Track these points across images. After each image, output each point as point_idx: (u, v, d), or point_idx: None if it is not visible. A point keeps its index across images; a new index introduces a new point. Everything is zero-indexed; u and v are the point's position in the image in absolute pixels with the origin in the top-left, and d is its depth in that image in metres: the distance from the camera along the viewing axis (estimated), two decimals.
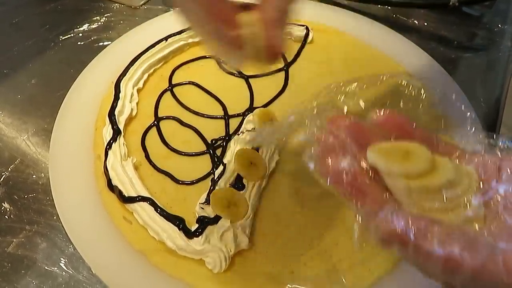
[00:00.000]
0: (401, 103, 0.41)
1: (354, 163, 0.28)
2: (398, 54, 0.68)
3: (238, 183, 0.49)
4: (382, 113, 0.31)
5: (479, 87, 0.68)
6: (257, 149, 0.52)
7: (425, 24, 0.78)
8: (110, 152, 0.52)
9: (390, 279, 0.45)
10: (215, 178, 0.51)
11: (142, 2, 0.77)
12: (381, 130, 0.30)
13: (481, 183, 0.27)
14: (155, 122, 0.57)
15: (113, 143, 0.53)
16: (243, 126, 0.56)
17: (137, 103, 0.59)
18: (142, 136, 0.56)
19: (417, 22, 0.78)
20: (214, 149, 0.55)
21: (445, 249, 0.23)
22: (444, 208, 0.26)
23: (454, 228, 0.24)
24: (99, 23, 0.74)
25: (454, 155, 0.29)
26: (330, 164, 0.28)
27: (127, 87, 0.59)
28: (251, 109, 0.59)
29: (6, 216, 0.50)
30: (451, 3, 0.72)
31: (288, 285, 0.43)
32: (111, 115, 0.55)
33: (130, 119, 0.57)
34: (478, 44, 0.76)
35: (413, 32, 0.76)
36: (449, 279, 0.24)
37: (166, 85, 0.62)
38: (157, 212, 0.47)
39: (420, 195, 0.26)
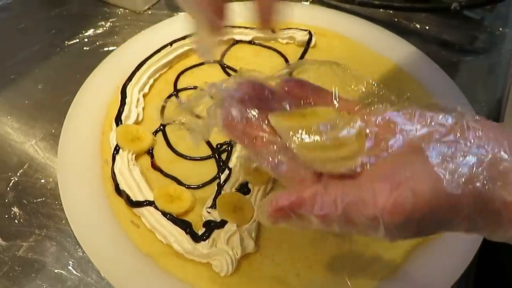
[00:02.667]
0: None
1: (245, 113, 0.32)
2: (399, 58, 0.68)
3: (243, 188, 0.50)
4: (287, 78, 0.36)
5: (481, 90, 0.69)
6: None
7: (427, 27, 0.79)
8: (117, 157, 0.53)
9: (393, 282, 0.46)
10: (221, 182, 0.51)
11: (147, 7, 0.78)
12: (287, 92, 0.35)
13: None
14: (161, 127, 0.58)
15: (120, 148, 0.53)
16: None
17: (143, 108, 0.60)
18: None
19: (418, 26, 0.79)
20: (219, 154, 0.55)
21: (322, 212, 0.28)
22: (323, 146, 0.29)
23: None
24: (104, 28, 0.74)
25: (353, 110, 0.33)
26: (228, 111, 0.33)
27: (133, 92, 0.60)
28: None
29: (16, 221, 0.51)
30: (452, 7, 0.73)
31: None
32: (118, 120, 0.56)
33: (136, 123, 0.58)
34: (479, 48, 0.77)
35: (414, 36, 0.77)
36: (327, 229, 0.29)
37: (171, 90, 0.63)
38: (164, 216, 0.48)
39: (302, 136, 0.30)
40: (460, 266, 0.46)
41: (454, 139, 0.26)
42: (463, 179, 0.24)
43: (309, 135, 0.30)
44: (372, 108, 0.31)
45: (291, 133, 0.30)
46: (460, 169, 0.25)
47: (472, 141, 0.26)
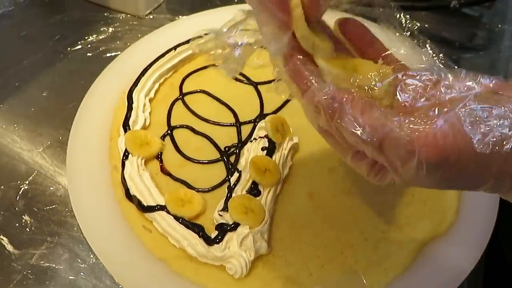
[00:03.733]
0: None
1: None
2: (401, 57, 0.69)
3: (254, 190, 0.51)
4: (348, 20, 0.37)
5: None
6: (271, 156, 0.53)
7: (426, 26, 0.80)
8: (127, 163, 0.53)
9: (406, 278, 0.46)
10: (231, 185, 0.52)
11: (148, 12, 0.78)
12: (343, 39, 0.37)
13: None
14: (169, 131, 0.58)
15: (130, 154, 0.54)
16: (255, 132, 0.57)
17: (149, 113, 0.60)
18: None
19: (418, 24, 0.80)
20: (228, 156, 0.56)
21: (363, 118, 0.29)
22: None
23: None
24: (107, 33, 0.75)
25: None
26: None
27: (139, 97, 0.60)
28: (262, 115, 0.60)
29: (27, 229, 0.52)
30: (452, 5, 0.73)
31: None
32: (126, 125, 0.56)
33: (144, 128, 0.58)
34: (479, 45, 0.77)
35: (414, 34, 0.77)
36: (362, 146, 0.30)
37: (176, 94, 0.63)
38: (176, 220, 0.49)
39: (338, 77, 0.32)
40: (471, 261, 0.46)
41: (488, 104, 0.27)
42: (494, 140, 0.25)
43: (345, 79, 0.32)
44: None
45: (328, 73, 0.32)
46: (491, 131, 0.26)
47: (507, 106, 0.26)
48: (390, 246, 0.48)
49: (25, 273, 0.48)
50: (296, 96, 0.35)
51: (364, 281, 0.45)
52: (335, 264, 0.47)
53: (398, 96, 0.30)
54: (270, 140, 0.54)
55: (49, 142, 0.60)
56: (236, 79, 0.65)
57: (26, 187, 0.55)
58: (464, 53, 0.75)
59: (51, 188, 0.55)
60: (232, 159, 0.56)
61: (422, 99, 0.30)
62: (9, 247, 0.50)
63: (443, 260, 0.47)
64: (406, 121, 0.27)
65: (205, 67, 0.67)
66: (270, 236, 0.49)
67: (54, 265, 0.49)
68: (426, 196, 0.53)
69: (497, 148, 0.25)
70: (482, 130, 0.26)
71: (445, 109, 0.27)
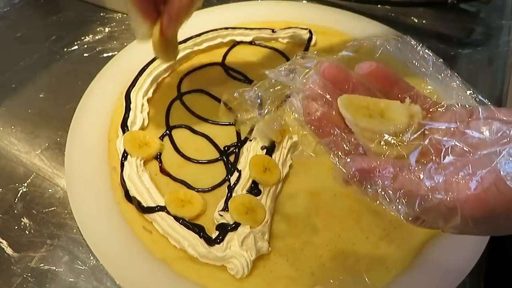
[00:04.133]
0: None
1: (325, 106, 0.32)
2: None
3: (254, 189, 0.50)
4: (368, 64, 0.34)
5: (480, 83, 0.70)
6: (270, 155, 0.53)
7: (424, 22, 0.80)
8: (126, 163, 0.53)
9: (408, 276, 0.46)
10: (231, 185, 0.52)
11: None
12: (366, 80, 0.34)
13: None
14: (167, 132, 0.58)
15: (128, 154, 0.53)
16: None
17: (147, 113, 0.60)
18: None
19: (416, 21, 0.80)
20: (227, 156, 0.56)
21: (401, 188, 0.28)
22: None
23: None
24: (103, 33, 0.74)
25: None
26: (307, 106, 0.32)
27: (137, 97, 0.60)
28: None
29: (26, 231, 0.51)
30: (449, 0, 0.73)
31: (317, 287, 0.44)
32: (124, 126, 0.56)
33: (142, 129, 0.58)
34: (477, 40, 0.77)
35: (413, 30, 0.77)
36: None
37: (174, 94, 0.63)
38: (176, 221, 0.48)
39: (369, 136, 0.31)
40: (473, 258, 0.46)
41: None
42: None
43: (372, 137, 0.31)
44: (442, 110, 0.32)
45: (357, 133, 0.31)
46: None
47: None
48: (391, 244, 0.48)
49: (25, 276, 0.48)
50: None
51: (366, 279, 0.45)
52: (336, 263, 0.47)
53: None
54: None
55: (47, 144, 0.60)
56: (234, 78, 0.65)
57: (24, 190, 0.55)
58: (462, 48, 0.75)
59: (50, 190, 0.55)
60: (232, 158, 0.56)
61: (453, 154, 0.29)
62: (9, 250, 0.50)
63: (445, 257, 0.47)
64: (440, 179, 0.27)
65: (202, 66, 0.66)
66: (271, 236, 0.49)
67: (54, 268, 0.49)
68: None
69: None
70: None
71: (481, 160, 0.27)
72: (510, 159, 0.26)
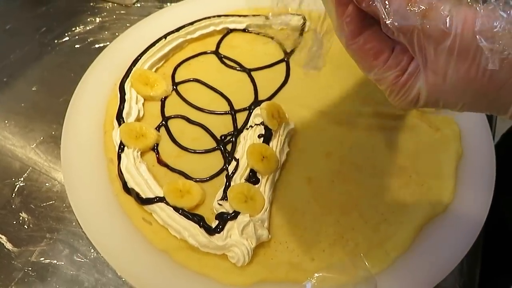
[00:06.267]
0: None
1: None
2: None
3: (252, 178, 0.51)
4: None
5: None
6: (268, 143, 0.53)
7: None
8: (123, 155, 0.53)
9: (407, 258, 0.47)
10: (229, 174, 0.52)
11: (135, 0, 0.77)
12: None
13: None
14: (163, 122, 0.58)
15: (125, 146, 0.53)
16: (251, 120, 0.57)
17: (143, 104, 0.59)
18: None
19: None
20: (225, 145, 0.56)
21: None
22: None
23: None
24: (94, 24, 0.73)
25: None
26: None
27: (131, 88, 0.59)
28: (256, 102, 0.59)
29: (25, 226, 0.51)
30: None
31: (316, 274, 0.44)
32: (119, 117, 0.56)
33: (138, 120, 0.57)
34: None
35: None
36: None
37: (169, 83, 0.62)
38: (176, 211, 0.48)
39: None
40: (470, 238, 0.47)
41: None
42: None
43: None
44: None
45: None
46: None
47: None
48: (390, 228, 0.49)
49: (26, 270, 0.48)
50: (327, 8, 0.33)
51: (366, 263, 0.45)
52: (336, 248, 0.48)
53: None
54: (266, 127, 0.54)
55: (42, 138, 0.59)
56: (229, 66, 0.65)
57: (21, 184, 0.55)
58: None
59: (47, 184, 0.55)
60: (229, 147, 0.56)
61: None
62: (8, 245, 0.50)
63: (443, 239, 0.48)
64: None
65: (196, 55, 0.66)
66: (270, 223, 0.49)
67: (55, 261, 0.49)
68: (424, 177, 0.53)
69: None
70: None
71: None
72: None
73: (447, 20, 0.26)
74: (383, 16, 0.28)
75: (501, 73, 0.27)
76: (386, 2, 0.28)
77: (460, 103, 0.30)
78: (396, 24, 0.28)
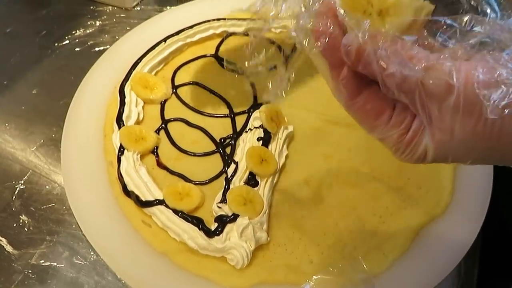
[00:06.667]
0: None
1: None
2: None
3: (251, 180, 0.51)
4: None
5: None
6: (267, 146, 0.53)
7: None
8: (122, 158, 0.53)
9: (405, 261, 0.47)
10: (229, 176, 0.52)
11: (135, 3, 0.77)
12: None
13: None
14: (163, 125, 0.58)
15: (125, 149, 0.53)
16: (250, 123, 0.57)
17: (142, 107, 0.59)
18: None
19: None
20: (224, 148, 0.56)
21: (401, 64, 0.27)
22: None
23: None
24: (94, 27, 0.73)
25: None
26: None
27: (131, 91, 0.59)
28: (255, 105, 0.60)
29: (25, 229, 0.51)
30: None
31: (314, 276, 0.44)
32: (119, 120, 0.56)
33: (137, 123, 0.58)
34: None
35: None
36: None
37: (169, 86, 0.63)
38: (175, 214, 0.49)
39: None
40: (468, 240, 0.47)
41: None
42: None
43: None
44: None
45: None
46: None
47: None
48: (388, 230, 0.49)
49: (26, 273, 0.48)
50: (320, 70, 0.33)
51: (365, 266, 0.45)
52: (334, 251, 0.48)
53: (438, 37, 0.29)
54: (265, 130, 0.54)
55: (42, 140, 0.59)
56: (228, 69, 0.65)
57: (21, 187, 0.55)
58: None
59: (47, 187, 0.55)
60: (228, 150, 0.56)
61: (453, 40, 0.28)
62: (8, 248, 0.50)
63: (441, 241, 0.48)
64: (446, 56, 0.26)
65: (195, 59, 0.66)
66: (269, 226, 0.49)
67: (55, 264, 0.49)
68: (422, 179, 0.53)
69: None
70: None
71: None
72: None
73: (452, 75, 0.26)
74: (381, 79, 0.28)
75: (510, 127, 0.26)
76: (383, 63, 0.27)
77: (470, 159, 0.29)
78: (395, 85, 0.27)
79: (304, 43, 0.32)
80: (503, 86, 0.25)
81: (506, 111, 0.25)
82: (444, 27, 0.29)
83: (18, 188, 0.55)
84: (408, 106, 0.29)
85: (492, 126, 0.26)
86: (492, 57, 0.26)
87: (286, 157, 0.55)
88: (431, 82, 0.26)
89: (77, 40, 0.72)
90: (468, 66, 0.26)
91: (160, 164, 0.55)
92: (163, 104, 0.60)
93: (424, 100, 0.27)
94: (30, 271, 0.49)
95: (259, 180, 0.51)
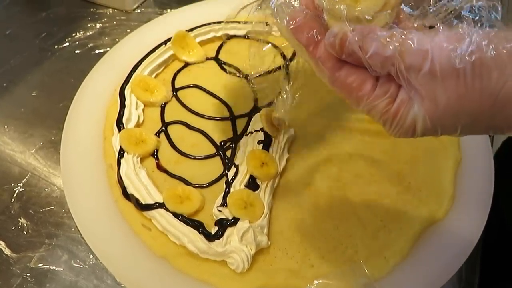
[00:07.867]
0: None
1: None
2: None
3: (252, 184, 0.51)
4: None
5: None
6: (267, 149, 0.53)
7: None
8: (122, 161, 0.53)
9: (406, 265, 0.47)
10: (229, 180, 0.52)
11: (135, 6, 0.77)
12: None
13: None
14: (163, 128, 0.58)
15: (125, 152, 0.53)
16: (250, 126, 0.57)
17: (142, 110, 0.59)
18: None
19: None
20: (224, 151, 0.56)
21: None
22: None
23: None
24: (94, 29, 0.73)
25: None
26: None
27: (131, 94, 0.59)
28: (256, 109, 0.60)
29: (24, 232, 0.51)
30: None
31: (315, 280, 0.44)
32: (119, 123, 0.56)
33: (137, 126, 0.57)
34: None
35: None
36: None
37: (169, 89, 0.62)
38: (175, 217, 0.48)
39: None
40: (469, 244, 0.47)
41: None
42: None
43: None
44: None
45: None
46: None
47: None
48: (389, 234, 0.49)
49: (24, 276, 0.48)
50: (301, 53, 0.34)
51: (366, 270, 0.45)
52: (335, 255, 0.48)
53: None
54: (266, 134, 0.54)
55: (41, 143, 0.59)
56: (228, 72, 0.65)
57: (20, 190, 0.54)
58: None
59: (46, 190, 0.55)
60: (229, 153, 0.56)
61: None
62: (7, 251, 0.50)
63: (442, 245, 0.48)
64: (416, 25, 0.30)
65: (195, 62, 0.66)
66: (270, 230, 0.49)
67: (53, 267, 0.49)
68: (422, 183, 0.53)
69: None
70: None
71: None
72: None
73: (424, 44, 0.28)
74: (366, 63, 0.30)
75: (490, 85, 0.27)
76: (364, 47, 0.30)
77: (458, 126, 0.30)
78: (380, 65, 0.29)
79: (280, 24, 0.34)
80: (467, 37, 0.28)
81: (473, 58, 0.27)
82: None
83: (17, 191, 0.54)
84: (392, 77, 0.30)
85: (472, 86, 0.28)
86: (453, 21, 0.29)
87: (287, 160, 0.55)
88: (406, 54, 0.28)
89: (77, 43, 0.71)
90: (436, 33, 0.28)
91: (160, 167, 0.54)
92: (163, 107, 0.60)
93: (403, 72, 0.29)
94: (28, 274, 0.48)
95: (259, 183, 0.51)
